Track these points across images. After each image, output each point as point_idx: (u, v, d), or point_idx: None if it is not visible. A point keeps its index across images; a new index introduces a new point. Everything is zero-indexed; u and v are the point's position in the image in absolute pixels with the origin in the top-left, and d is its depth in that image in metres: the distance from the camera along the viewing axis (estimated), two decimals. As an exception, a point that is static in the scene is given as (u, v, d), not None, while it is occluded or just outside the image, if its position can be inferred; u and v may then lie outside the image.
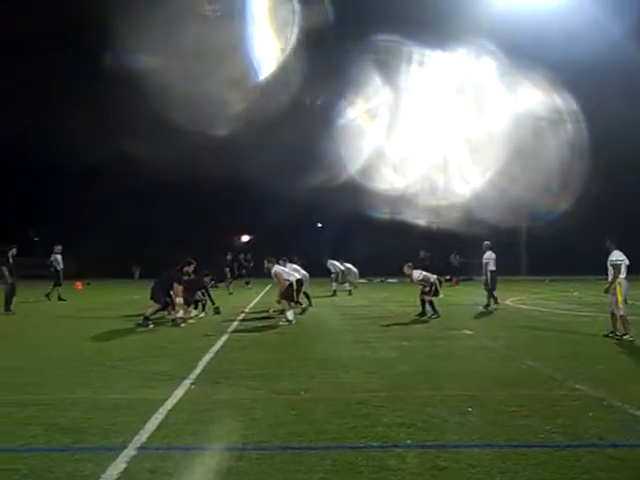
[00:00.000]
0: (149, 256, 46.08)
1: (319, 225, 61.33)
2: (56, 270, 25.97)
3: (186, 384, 8.63)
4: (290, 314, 16.31)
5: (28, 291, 25.31)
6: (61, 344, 13.04)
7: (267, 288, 31.65)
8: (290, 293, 16.58)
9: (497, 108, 41.88)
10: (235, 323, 16.46)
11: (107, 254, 49.60)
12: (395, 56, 42.65)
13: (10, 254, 19.91)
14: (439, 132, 44.35)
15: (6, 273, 19.68)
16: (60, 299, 25.46)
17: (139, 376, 9.26)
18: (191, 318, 16.96)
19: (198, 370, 9.65)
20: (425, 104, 43.04)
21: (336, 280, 29.51)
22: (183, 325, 15.75)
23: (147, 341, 13.35)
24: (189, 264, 16.86)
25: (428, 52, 42.77)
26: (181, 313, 16.31)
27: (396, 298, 26.43)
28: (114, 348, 12.33)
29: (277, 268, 17.06)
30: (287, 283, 16.63)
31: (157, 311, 16.21)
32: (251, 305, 22.45)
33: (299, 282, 17.04)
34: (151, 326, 15.41)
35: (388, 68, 43.43)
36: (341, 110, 46.25)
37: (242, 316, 18.33)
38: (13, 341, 13.59)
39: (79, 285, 33.04)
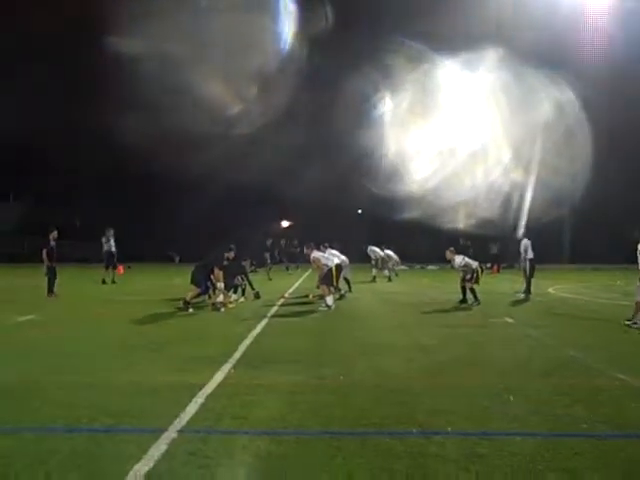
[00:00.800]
0: (191, 242, 46.55)
1: (359, 211, 61.23)
2: (109, 253, 26.47)
3: (226, 368, 8.68)
4: (329, 299, 16.32)
5: (71, 274, 25.68)
6: (102, 327, 13.22)
7: (307, 273, 31.74)
8: (329, 278, 16.59)
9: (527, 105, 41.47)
10: (275, 308, 16.52)
11: (149, 239, 50.29)
12: (422, 58, 42.55)
13: (51, 237, 20.22)
14: (473, 128, 44.01)
15: (45, 256, 19.98)
16: (104, 282, 25.91)
17: (179, 360, 9.34)
18: (231, 302, 17.05)
19: (238, 354, 9.71)
20: (456, 103, 42.80)
21: (376, 266, 29.48)
22: (223, 310, 15.85)
23: (187, 325, 13.47)
24: (229, 250, 16.93)
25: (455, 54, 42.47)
26: (221, 298, 16.41)
27: (436, 285, 26.30)
28: (154, 331, 12.47)
29: (316, 253, 17.08)
30: (326, 268, 16.64)
31: (197, 295, 16.35)
32: (291, 290, 22.51)
33: (338, 267, 17.01)
34: (191, 310, 15.56)
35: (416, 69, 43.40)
36: (374, 103, 46.08)
37: (282, 301, 18.40)
38: (55, 325, 13.79)
39: (120, 269, 33.34)
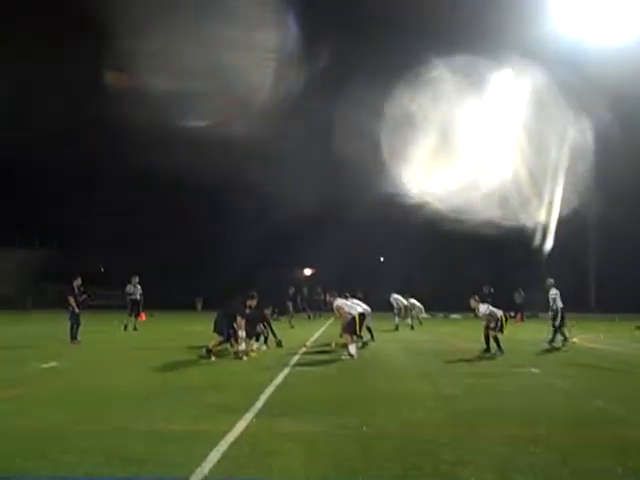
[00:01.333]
0: (213, 289, 46.67)
1: (381, 259, 61.15)
2: (134, 300, 26.90)
3: (248, 417, 8.65)
4: (352, 348, 16.24)
5: (93, 320, 25.80)
6: (124, 374, 13.23)
7: (329, 322, 31.64)
8: (352, 327, 16.51)
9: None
10: (297, 357, 16.45)
11: (171, 286, 50.51)
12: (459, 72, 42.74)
13: (75, 284, 20.41)
14: (507, 151, 44.00)
15: (73, 302, 20.14)
16: (125, 328, 26.16)
17: (201, 408, 9.33)
18: (253, 351, 17.01)
19: (260, 403, 9.67)
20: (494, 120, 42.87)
21: (399, 315, 29.32)
22: (245, 358, 15.80)
23: (209, 373, 13.44)
24: (251, 298, 16.92)
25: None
26: (243, 346, 16.38)
27: (460, 333, 26.10)
28: (176, 379, 12.47)
29: (339, 301, 17.07)
30: (349, 317, 16.59)
31: (220, 343, 16.34)
32: (313, 339, 22.43)
33: (362, 316, 16.93)
34: (213, 358, 15.52)
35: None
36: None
37: (304, 350, 18.32)
38: (77, 372, 13.84)
39: (143, 316, 33.48)
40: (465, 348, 19.09)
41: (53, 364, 14.54)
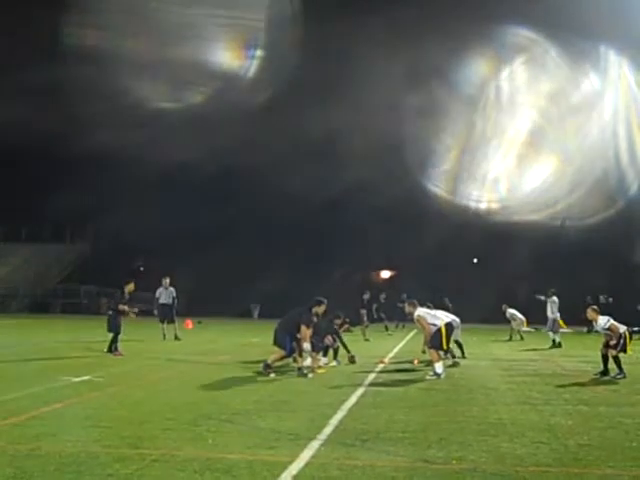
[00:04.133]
0: (272, 294, 47.01)
1: (475, 260, 60.49)
2: (164, 305, 27.22)
3: (314, 445, 8.67)
4: (439, 366, 16.10)
5: (131, 328, 26.21)
6: (166, 391, 13.43)
7: (411, 334, 31.53)
8: (438, 340, 16.35)
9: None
10: (372, 375, 16.42)
11: (222, 288, 51.08)
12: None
13: (127, 289, 20.81)
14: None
15: (123, 309, 20.58)
16: (165, 337, 26.66)
17: (258, 433, 9.39)
18: (320, 367, 17.04)
19: (328, 429, 9.68)
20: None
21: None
22: (310, 375, 15.84)
23: (268, 392, 13.51)
24: (319, 304, 16.78)
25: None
26: (309, 361, 16.42)
27: (569, 351, 25.65)
28: (229, 399, 12.56)
29: (420, 311, 16.85)
30: (434, 329, 16.41)
31: (281, 358, 16.38)
32: (392, 354, 22.38)
33: (448, 327, 16.73)
34: (272, 375, 15.59)
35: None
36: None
37: (381, 367, 18.28)
38: (114, 387, 14.08)
39: (189, 323, 33.89)
40: (576, 370, 18.78)
41: (87, 378, 14.86)
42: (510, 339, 30.68)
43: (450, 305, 23.19)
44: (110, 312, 20.81)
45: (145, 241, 56.41)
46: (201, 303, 48.36)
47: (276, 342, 16.31)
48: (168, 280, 27.86)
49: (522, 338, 30.91)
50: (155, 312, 27.54)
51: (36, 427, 9.62)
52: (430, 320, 16.58)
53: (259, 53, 47.14)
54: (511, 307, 30.87)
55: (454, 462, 8.04)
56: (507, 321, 31.52)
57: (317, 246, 54.56)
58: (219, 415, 10.69)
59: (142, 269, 59.90)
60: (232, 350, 22.97)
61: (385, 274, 61.20)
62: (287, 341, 16.12)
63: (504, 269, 49.94)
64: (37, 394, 12.69)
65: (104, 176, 55.82)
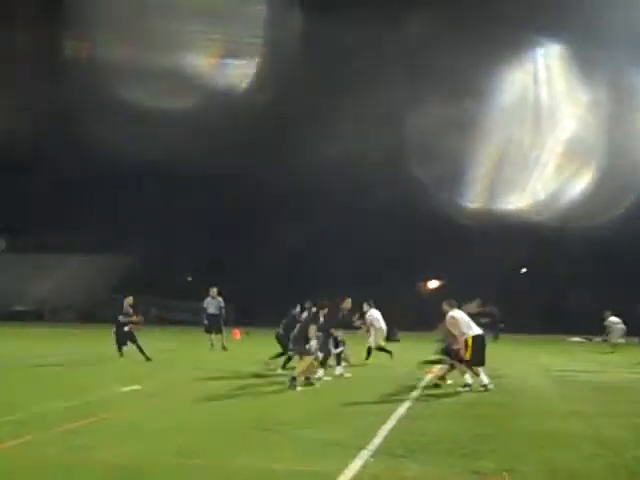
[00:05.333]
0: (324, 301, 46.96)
1: (523, 270, 59.77)
2: (209, 315, 27.35)
3: (363, 456, 8.59)
4: (484, 378, 15.73)
5: (179, 338, 26.35)
6: (214, 401, 13.44)
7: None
8: (462, 352, 15.80)
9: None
10: (422, 384, 16.28)
11: (271, 297, 51.20)
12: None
13: (126, 302, 22.34)
14: None
15: (129, 319, 21.30)
16: (212, 346, 26.73)
17: (307, 444, 9.34)
18: (315, 379, 16.78)
19: (377, 440, 9.60)
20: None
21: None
22: (300, 389, 15.16)
23: (316, 402, 13.48)
24: (322, 307, 16.99)
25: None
26: (321, 372, 16.61)
27: (630, 361, 25.15)
28: (277, 409, 12.57)
29: (457, 313, 16.01)
30: (462, 337, 15.84)
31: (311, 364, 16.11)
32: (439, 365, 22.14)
33: (477, 339, 15.78)
34: (299, 389, 15.14)
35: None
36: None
37: (431, 376, 18.09)
38: (162, 397, 14.13)
39: (237, 334, 33.93)
40: (636, 381, 18.47)
41: (135, 387, 14.94)
42: (613, 351, 29.12)
43: (498, 314, 22.90)
44: (114, 327, 22.04)
45: (194, 252, 56.87)
46: (250, 313, 48.62)
47: (295, 349, 16.33)
48: (216, 290, 27.87)
49: (613, 351, 29.78)
50: (204, 322, 27.61)
51: (86, 436, 9.68)
52: (464, 328, 16.05)
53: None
54: (615, 315, 29.87)
55: (505, 474, 7.91)
56: (603, 329, 30.59)
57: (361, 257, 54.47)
58: (267, 425, 10.66)
59: (190, 279, 60.36)
60: (280, 361, 22.88)
61: (432, 284, 60.80)
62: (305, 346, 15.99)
63: (552, 278, 49.51)
64: (88, 403, 12.79)
65: (152, 186, 56.26)
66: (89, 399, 13.29)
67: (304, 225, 52.43)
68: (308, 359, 15.91)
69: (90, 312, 58.47)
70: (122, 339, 21.78)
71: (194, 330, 29.30)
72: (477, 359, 15.67)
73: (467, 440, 9.77)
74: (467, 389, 15.45)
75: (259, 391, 14.73)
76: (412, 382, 16.59)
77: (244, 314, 46.43)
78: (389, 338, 23.53)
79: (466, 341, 15.62)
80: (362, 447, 9.03)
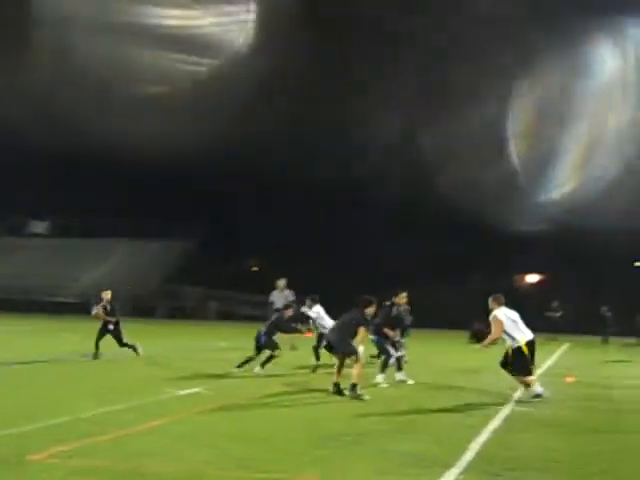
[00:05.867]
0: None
1: (637, 264, 58.62)
2: (275, 310, 26.90)
3: (453, 473, 8.57)
4: (537, 387, 15.34)
5: (248, 337, 26.35)
6: (286, 407, 13.54)
7: (564, 347, 30.96)
8: (522, 365, 14.92)
9: None
10: (518, 392, 16.11)
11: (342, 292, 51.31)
12: None
13: (105, 297, 22.42)
14: None
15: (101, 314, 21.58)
16: (293, 348, 26.54)
17: (387, 457, 9.34)
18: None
19: (469, 455, 9.56)
20: None
21: None
22: (367, 397, 14.79)
23: (398, 410, 13.45)
24: (369, 304, 15.95)
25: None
26: (380, 378, 16.66)
27: None
28: (354, 417, 12.55)
29: (501, 313, 15.35)
30: (514, 344, 15.34)
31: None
32: (542, 369, 21.96)
33: (530, 345, 15.20)
34: (367, 397, 14.74)
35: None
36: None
37: (529, 383, 17.89)
38: (225, 398, 14.23)
39: (310, 333, 33.93)
40: None
41: (194, 390, 15.10)
42: None
43: (608, 315, 22.55)
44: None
45: (261, 239, 57.15)
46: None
47: (340, 351, 15.88)
48: (284, 282, 27.31)
49: None
50: (270, 317, 27.14)
51: (138, 444, 9.83)
52: (509, 330, 15.11)
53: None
54: None
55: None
56: None
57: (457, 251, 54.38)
58: (342, 436, 10.66)
59: (256, 270, 60.63)
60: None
61: (532, 278, 60.17)
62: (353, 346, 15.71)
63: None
64: (141, 407, 13.00)
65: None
66: (143, 402, 13.50)
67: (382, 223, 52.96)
68: (360, 359, 15.42)
69: (142, 305, 59.02)
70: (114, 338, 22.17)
71: (259, 327, 29.30)
72: (526, 369, 15.16)
73: (573, 457, 9.67)
74: (538, 399, 14.95)
75: (330, 397, 14.73)
76: (505, 390, 16.37)
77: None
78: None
79: (519, 349, 15.01)
80: (451, 463, 9.00)
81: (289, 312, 19.28)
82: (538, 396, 15.11)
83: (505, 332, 15.00)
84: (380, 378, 17.21)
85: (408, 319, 19.77)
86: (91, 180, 62.00)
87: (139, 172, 58.70)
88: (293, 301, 26.45)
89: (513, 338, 14.94)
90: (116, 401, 13.35)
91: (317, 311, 20.84)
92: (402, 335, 18.63)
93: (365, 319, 15.82)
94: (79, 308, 57.11)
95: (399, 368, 17.86)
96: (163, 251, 65.92)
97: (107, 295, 22.57)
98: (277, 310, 26.30)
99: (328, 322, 19.91)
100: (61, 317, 50.68)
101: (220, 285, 57.18)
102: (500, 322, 14.99)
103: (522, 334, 15.06)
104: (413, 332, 22.06)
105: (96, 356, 21.53)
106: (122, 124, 52.82)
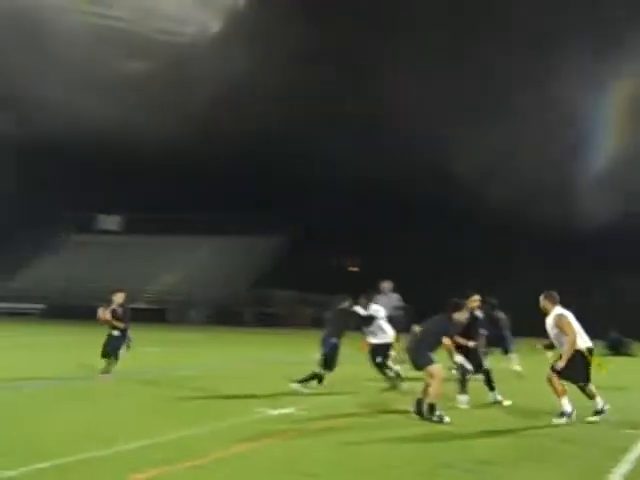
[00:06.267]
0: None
1: None
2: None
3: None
4: (566, 404, 14.53)
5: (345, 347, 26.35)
6: (393, 431, 13.48)
7: None
8: (582, 370, 14.53)
9: None
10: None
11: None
12: None
13: (116, 299, 21.32)
14: None
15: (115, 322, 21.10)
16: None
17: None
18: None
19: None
20: None
21: None
22: (447, 420, 14.45)
23: (523, 435, 13.36)
24: (459, 308, 15.64)
25: None
26: (464, 399, 16.04)
27: None
28: (474, 443, 12.51)
29: (564, 311, 14.97)
30: (574, 347, 14.79)
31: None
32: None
33: (589, 353, 14.76)
34: (448, 419, 14.45)
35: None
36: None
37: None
38: (326, 422, 14.23)
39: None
40: None
41: (288, 410, 15.17)
42: None
43: None
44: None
45: (363, 236, 57.15)
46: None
47: (414, 363, 15.44)
48: (389, 284, 26.47)
49: None
50: None
51: (222, 472, 9.95)
52: (576, 335, 14.68)
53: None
54: None
55: None
56: None
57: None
58: (461, 464, 10.62)
59: (356, 270, 60.52)
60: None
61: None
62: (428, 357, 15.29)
63: None
64: (225, 429, 13.10)
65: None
66: (230, 424, 13.61)
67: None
68: (439, 373, 14.89)
69: (227, 310, 59.18)
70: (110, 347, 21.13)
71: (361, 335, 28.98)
72: (584, 374, 14.66)
73: None
74: (564, 420, 14.47)
75: (449, 419, 14.59)
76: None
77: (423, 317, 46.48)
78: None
79: (583, 356, 14.64)
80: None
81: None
82: (566, 415, 14.56)
83: (575, 331, 14.72)
84: (462, 399, 16.59)
85: (484, 326, 18.14)
86: (165, 171, 62.66)
87: (219, 160, 59.28)
88: (401, 307, 25.94)
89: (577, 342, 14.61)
90: (199, 422, 13.53)
91: (377, 311, 19.93)
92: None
93: (450, 326, 15.50)
94: (156, 315, 57.64)
95: (490, 387, 17.10)
96: (250, 249, 65.65)
97: (119, 298, 21.67)
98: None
99: (385, 328, 19.71)
100: (136, 326, 50.89)
101: (314, 288, 57.01)
102: (570, 323, 14.76)
103: (583, 340, 14.80)
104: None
105: (107, 370, 20.78)
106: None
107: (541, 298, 15.37)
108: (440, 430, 13.55)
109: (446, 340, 15.30)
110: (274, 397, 16.95)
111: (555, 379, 14.49)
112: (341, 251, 62.27)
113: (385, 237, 56.88)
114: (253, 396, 17.26)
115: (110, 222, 76.76)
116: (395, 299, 26.27)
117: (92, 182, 65.33)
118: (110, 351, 20.94)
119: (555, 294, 15.30)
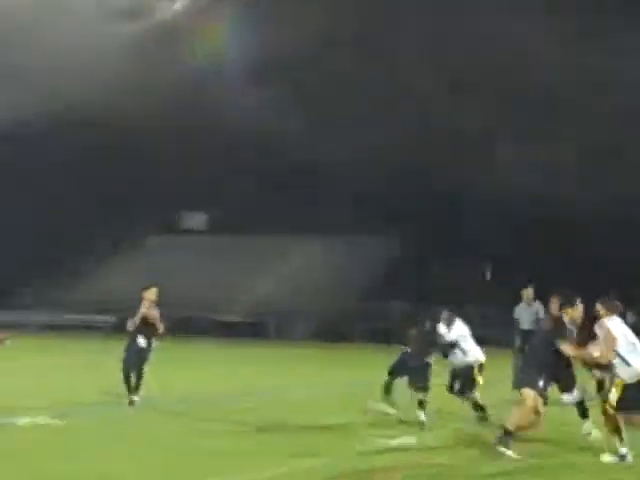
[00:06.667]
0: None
1: None
2: (523, 331, 25.87)
3: None
4: (620, 446, 13.79)
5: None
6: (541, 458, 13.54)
7: None
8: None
9: None
10: None
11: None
12: None
13: (145, 297, 20.68)
14: None
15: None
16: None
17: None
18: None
19: None
20: None
21: None
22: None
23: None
24: (572, 305, 15.01)
25: None
26: (588, 425, 15.26)
27: None
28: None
29: (616, 325, 13.97)
30: (625, 370, 13.64)
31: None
32: None
33: None
34: (509, 453, 13.97)
35: None
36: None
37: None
38: (450, 454, 14.18)
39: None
40: None
41: (406, 441, 15.17)
42: None
43: None
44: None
45: (498, 238, 57.11)
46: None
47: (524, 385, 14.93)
48: (532, 292, 25.86)
49: None
50: (516, 342, 25.72)
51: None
52: (622, 351, 13.76)
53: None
54: None
55: None
56: None
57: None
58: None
59: (489, 277, 60.30)
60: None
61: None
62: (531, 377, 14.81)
63: None
64: (340, 463, 13.00)
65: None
66: (343, 455, 13.65)
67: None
68: (532, 400, 14.35)
69: (333, 324, 58.95)
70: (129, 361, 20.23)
71: (499, 352, 28.31)
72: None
73: None
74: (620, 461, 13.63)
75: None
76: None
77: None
78: None
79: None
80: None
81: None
82: (622, 458, 13.67)
83: (617, 353, 13.67)
84: (589, 426, 15.65)
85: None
86: (256, 164, 63.15)
87: (315, 153, 59.77)
88: (543, 320, 24.95)
89: (627, 364, 13.60)
90: (306, 453, 13.59)
91: (460, 332, 19.06)
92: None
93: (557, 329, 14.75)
94: (252, 329, 57.59)
95: (584, 415, 15.90)
96: (358, 253, 65.12)
97: (151, 295, 20.91)
98: (525, 331, 24.71)
99: (472, 348, 18.87)
100: (227, 341, 51.33)
101: (435, 298, 56.88)
102: (614, 338, 13.71)
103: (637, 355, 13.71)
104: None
105: (132, 402, 19.90)
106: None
107: (598, 304, 14.36)
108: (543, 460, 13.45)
109: (563, 345, 14.48)
110: (390, 423, 17.08)
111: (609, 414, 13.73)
112: (471, 255, 61.81)
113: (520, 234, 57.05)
114: (365, 423, 17.32)
115: (195, 220, 76.31)
116: (539, 309, 25.22)
117: (177, 176, 66.00)
118: (134, 367, 20.10)
119: (618, 304, 14.45)
